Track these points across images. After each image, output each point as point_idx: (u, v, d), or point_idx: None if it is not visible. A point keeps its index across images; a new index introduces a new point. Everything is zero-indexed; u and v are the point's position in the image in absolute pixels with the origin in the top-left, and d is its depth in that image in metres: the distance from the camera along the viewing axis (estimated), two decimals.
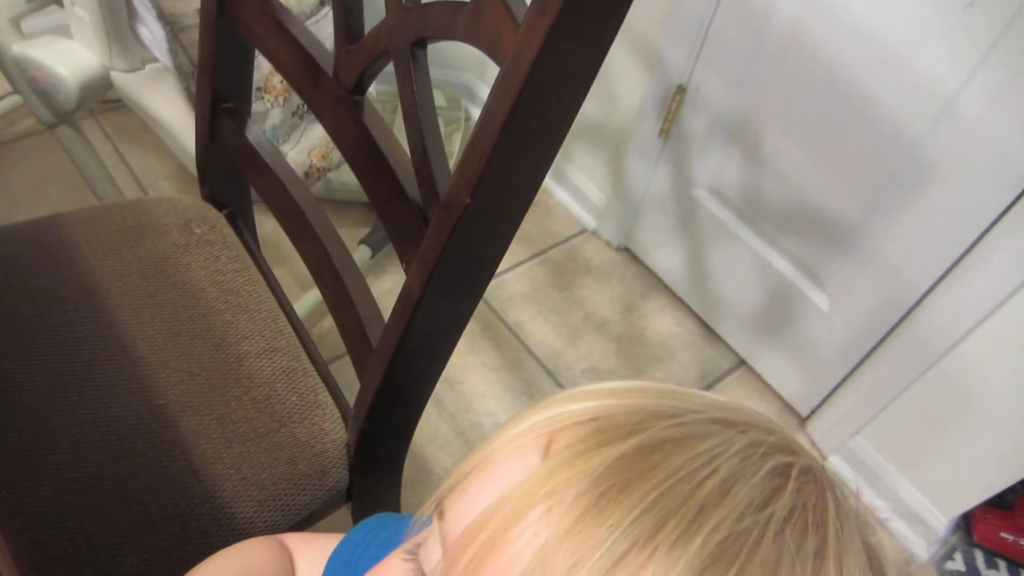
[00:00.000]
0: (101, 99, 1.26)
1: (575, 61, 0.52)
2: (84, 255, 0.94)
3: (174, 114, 1.20)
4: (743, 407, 0.32)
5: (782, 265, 1.50)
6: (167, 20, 1.11)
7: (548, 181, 1.88)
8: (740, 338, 1.66)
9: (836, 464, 1.52)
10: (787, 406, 1.60)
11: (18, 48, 1.15)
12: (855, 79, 1.21)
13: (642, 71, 1.57)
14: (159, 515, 0.74)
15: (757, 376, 1.64)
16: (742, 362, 1.66)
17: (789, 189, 1.41)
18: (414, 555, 0.33)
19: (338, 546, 0.55)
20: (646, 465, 0.27)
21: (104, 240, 0.96)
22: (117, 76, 1.18)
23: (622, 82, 1.62)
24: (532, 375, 1.57)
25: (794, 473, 0.29)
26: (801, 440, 1.47)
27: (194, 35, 1.15)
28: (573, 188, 1.88)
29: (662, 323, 1.71)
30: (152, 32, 1.14)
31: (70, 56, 1.14)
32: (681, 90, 1.51)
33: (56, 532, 0.71)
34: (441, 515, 0.32)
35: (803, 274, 1.47)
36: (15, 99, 1.68)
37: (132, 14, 1.13)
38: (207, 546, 0.74)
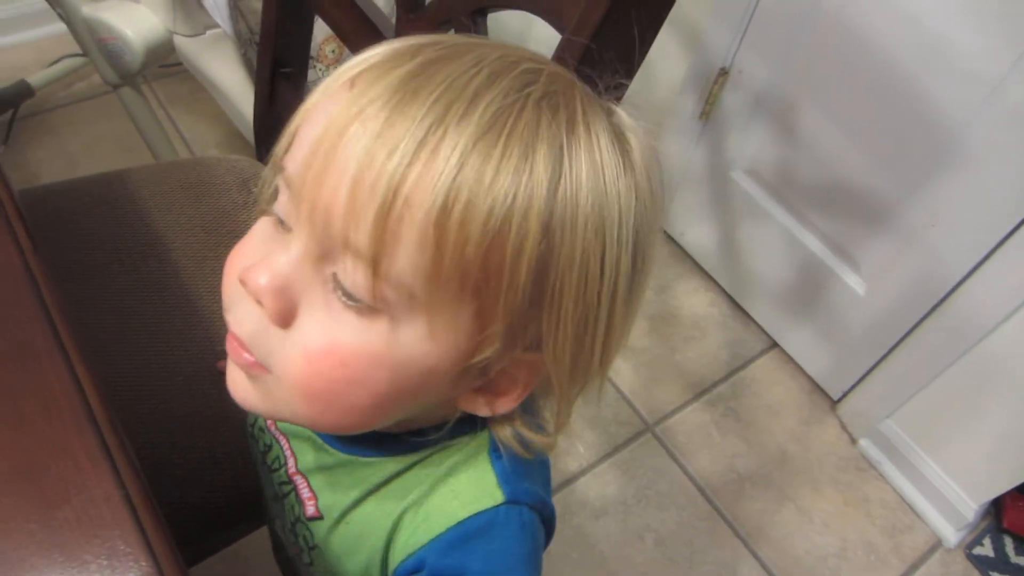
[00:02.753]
0: (163, 62, 1.30)
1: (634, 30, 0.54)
2: (149, 208, 0.98)
3: (232, 79, 1.24)
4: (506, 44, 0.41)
5: (818, 247, 1.51)
6: None
7: None
8: (773, 319, 1.68)
9: (866, 448, 1.53)
10: (818, 388, 1.62)
11: (88, 10, 1.19)
12: (899, 61, 1.23)
13: (684, 54, 1.59)
14: (222, 452, 0.78)
15: (789, 358, 1.66)
16: (774, 343, 1.68)
17: (829, 172, 1.43)
18: (270, 214, 0.41)
19: None
20: (428, 73, 0.36)
21: (167, 195, 1.00)
22: (179, 40, 1.22)
23: (662, 64, 1.64)
24: None
25: (545, 71, 0.39)
26: (831, 423, 1.49)
27: (253, 3, 1.19)
28: None
29: (695, 303, 1.73)
30: None
31: (137, 19, 1.18)
32: (724, 73, 1.52)
33: None
34: (282, 169, 0.39)
35: (839, 257, 1.49)
36: (71, 62, 1.73)
37: None
38: None
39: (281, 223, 0.40)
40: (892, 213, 1.35)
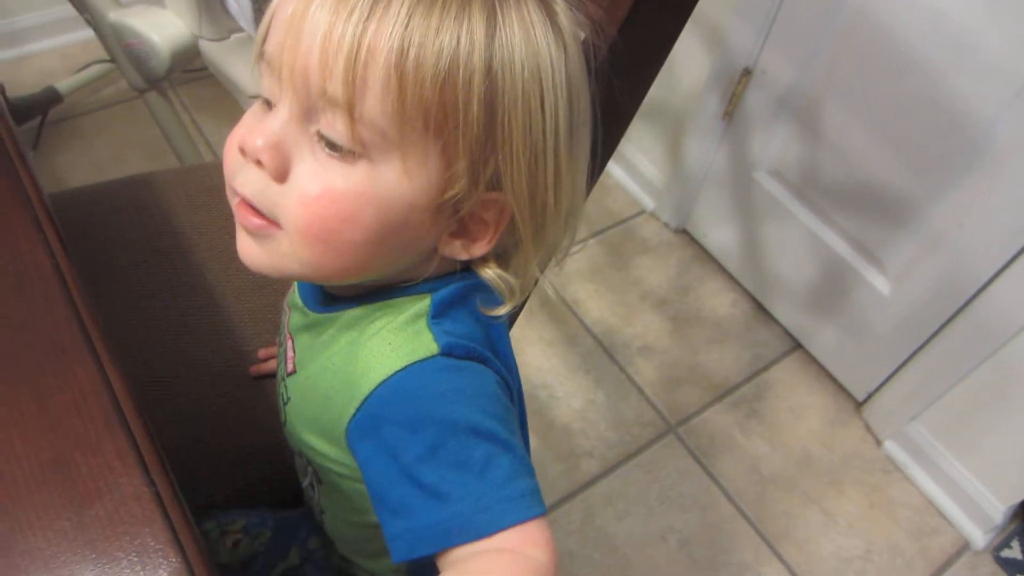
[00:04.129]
0: (188, 67, 1.32)
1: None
2: (176, 211, 0.99)
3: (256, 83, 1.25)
4: None
5: (843, 248, 1.50)
6: None
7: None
8: (796, 321, 1.67)
9: (891, 449, 1.52)
10: (843, 390, 1.61)
11: (115, 16, 1.21)
12: (924, 59, 1.22)
13: (706, 54, 1.58)
14: (249, 451, 0.79)
15: (812, 359, 1.65)
16: (798, 345, 1.67)
17: (854, 172, 1.42)
18: (258, 98, 0.48)
19: None
20: None
21: (193, 197, 1.01)
22: (204, 45, 1.23)
23: (686, 64, 1.64)
24: (588, 351, 1.60)
25: None
26: (856, 424, 1.48)
27: None
28: (632, 169, 1.90)
29: (718, 304, 1.73)
30: (238, 2, 1.19)
31: (163, 24, 1.19)
32: (747, 73, 1.52)
33: None
34: (263, 54, 0.46)
35: (864, 258, 1.48)
36: (99, 68, 1.75)
37: None
38: (295, 482, 0.79)
39: (267, 103, 0.46)
40: (917, 213, 1.34)
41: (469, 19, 0.43)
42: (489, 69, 0.43)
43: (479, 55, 0.43)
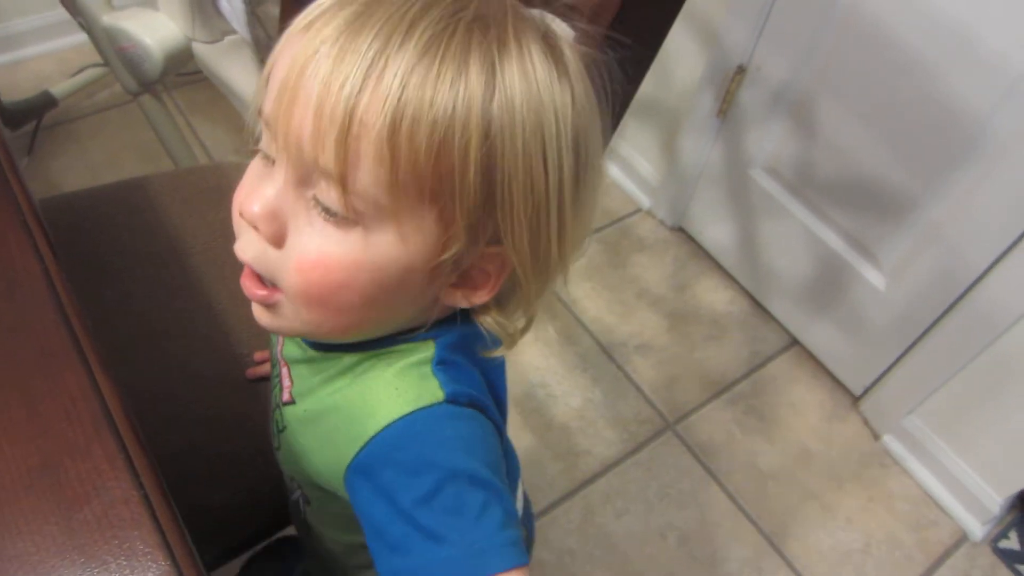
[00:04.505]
0: (182, 70, 1.32)
1: None
2: (170, 214, 0.99)
3: (250, 85, 1.25)
4: None
5: (838, 244, 1.50)
6: None
7: None
8: (793, 317, 1.67)
9: (889, 443, 1.52)
10: (840, 385, 1.61)
11: (108, 19, 1.21)
12: (921, 55, 1.22)
13: (700, 51, 1.58)
14: (244, 455, 0.79)
15: (810, 355, 1.65)
16: (795, 341, 1.67)
17: (849, 168, 1.42)
18: (258, 151, 0.48)
19: None
20: (370, 11, 0.42)
21: (187, 201, 1.01)
22: (198, 47, 1.23)
23: (679, 62, 1.64)
24: (586, 350, 1.60)
25: (475, 2, 0.44)
26: (854, 419, 1.48)
27: (270, 8, 1.20)
28: (628, 167, 1.90)
29: (715, 301, 1.73)
30: (231, 4, 1.19)
31: (156, 27, 1.19)
32: (741, 70, 1.51)
33: None
34: (260, 112, 0.46)
35: (859, 252, 1.48)
36: (93, 72, 1.75)
37: None
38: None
39: (267, 157, 0.46)
40: (912, 208, 1.34)
41: (466, 82, 0.41)
42: (487, 134, 0.42)
43: (476, 121, 0.41)
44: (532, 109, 0.43)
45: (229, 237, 1.00)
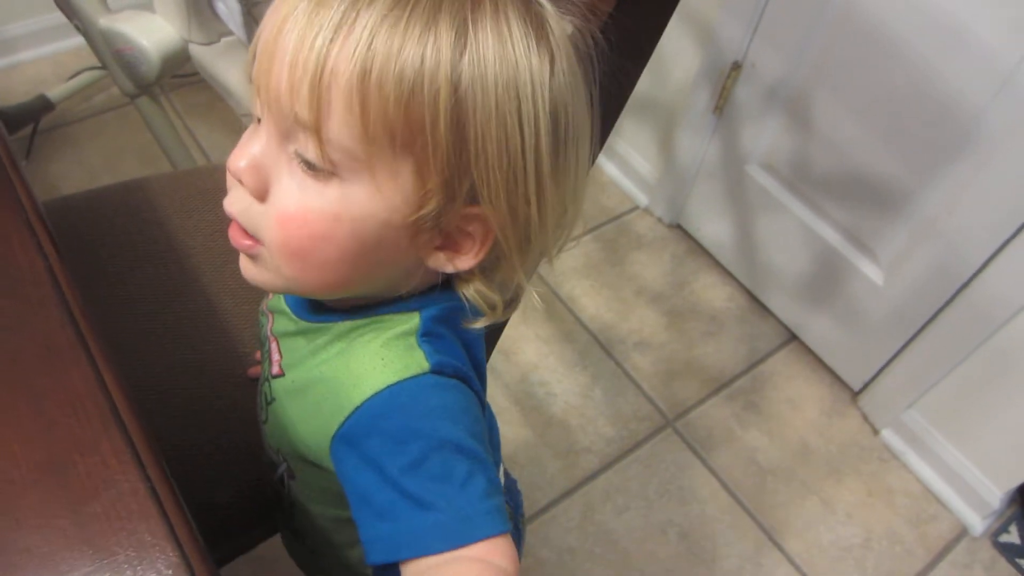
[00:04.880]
0: (179, 71, 1.32)
1: None
2: (169, 215, 0.99)
3: (247, 86, 1.25)
4: None
5: (835, 239, 1.51)
6: None
7: (599, 157, 1.91)
8: (791, 313, 1.67)
9: (888, 438, 1.53)
10: (839, 380, 1.61)
11: (105, 22, 1.21)
12: (914, 51, 1.22)
13: (696, 48, 1.59)
14: (248, 452, 0.79)
15: (808, 350, 1.65)
16: (793, 336, 1.68)
17: (845, 164, 1.42)
18: (251, 117, 0.49)
19: None
20: None
21: (186, 201, 1.01)
22: (195, 49, 1.23)
23: (675, 59, 1.64)
24: (585, 347, 1.61)
25: None
26: (853, 414, 1.48)
27: (265, 10, 1.20)
28: (625, 165, 1.90)
29: (713, 298, 1.73)
30: (228, 6, 1.19)
31: (152, 29, 1.20)
32: (736, 67, 1.52)
33: None
34: (251, 79, 0.47)
35: (856, 247, 1.48)
36: (90, 75, 1.75)
37: None
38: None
39: (258, 120, 0.48)
40: (908, 203, 1.34)
41: (435, 36, 0.43)
42: (456, 86, 0.43)
43: (444, 73, 0.43)
44: (507, 68, 0.44)
45: (228, 237, 1.01)
